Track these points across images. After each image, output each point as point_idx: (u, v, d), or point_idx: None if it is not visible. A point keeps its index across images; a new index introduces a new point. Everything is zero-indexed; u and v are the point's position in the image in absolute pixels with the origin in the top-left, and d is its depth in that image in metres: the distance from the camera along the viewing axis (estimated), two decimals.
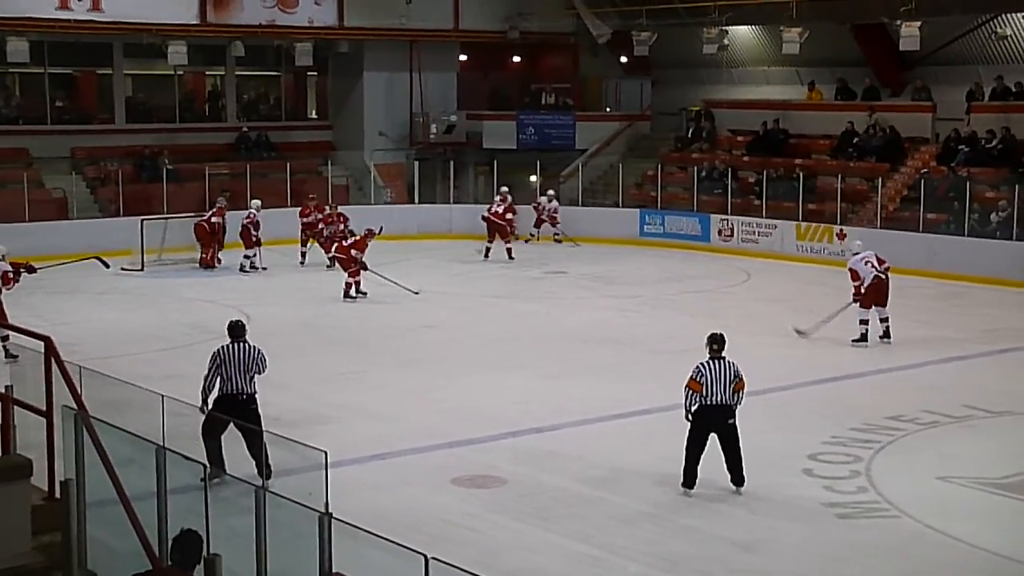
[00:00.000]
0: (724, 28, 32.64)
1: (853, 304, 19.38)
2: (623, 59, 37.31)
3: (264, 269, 26.73)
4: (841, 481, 12.77)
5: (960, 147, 28.58)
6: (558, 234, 31.57)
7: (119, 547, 8.43)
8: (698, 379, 12.20)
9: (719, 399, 12.18)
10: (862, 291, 19.26)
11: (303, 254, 27.70)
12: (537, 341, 19.84)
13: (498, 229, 28.94)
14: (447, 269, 27.51)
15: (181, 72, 34.31)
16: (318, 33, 33.04)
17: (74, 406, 8.84)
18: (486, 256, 28.67)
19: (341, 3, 33.21)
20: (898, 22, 28.64)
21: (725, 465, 12.36)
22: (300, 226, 27.87)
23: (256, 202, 27.67)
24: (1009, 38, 29.68)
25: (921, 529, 11.50)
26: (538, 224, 31.59)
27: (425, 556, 6.18)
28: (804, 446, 13.88)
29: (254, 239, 26.80)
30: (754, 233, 29.78)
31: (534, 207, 31.38)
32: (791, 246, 28.76)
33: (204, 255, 27.10)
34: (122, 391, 12.11)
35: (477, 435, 14.44)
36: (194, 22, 31.35)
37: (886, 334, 19.31)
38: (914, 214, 27.56)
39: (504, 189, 30.04)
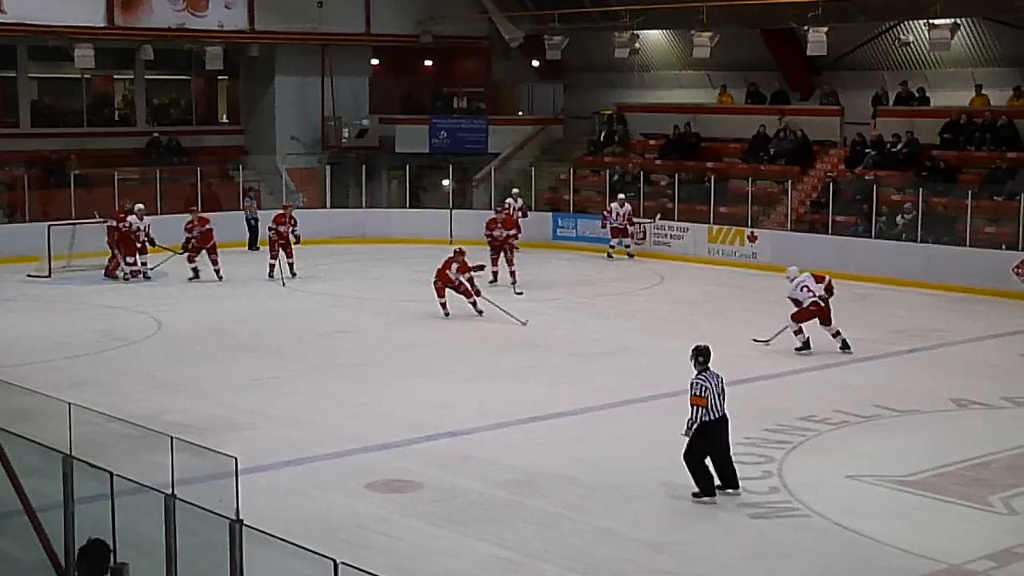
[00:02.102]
0: (635, 32, 32.83)
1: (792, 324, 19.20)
2: (536, 63, 37.44)
3: (148, 278, 26.06)
4: (754, 481, 12.85)
5: (867, 151, 29.02)
6: (628, 246, 29.80)
7: (24, 558, 8.30)
8: (703, 394, 11.97)
9: (718, 413, 12.07)
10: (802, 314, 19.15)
11: (272, 267, 26.13)
12: (452, 345, 19.82)
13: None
14: (363, 273, 27.39)
15: (89, 76, 33.85)
16: (229, 37, 32.77)
17: None
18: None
19: (252, 7, 32.95)
20: (806, 27, 28.99)
21: (719, 474, 12.27)
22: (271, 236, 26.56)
23: (139, 206, 26.57)
24: (912, 45, 30.18)
25: (831, 527, 11.62)
26: (615, 234, 29.70)
27: (334, 561, 6.16)
28: None
29: (138, 246, 26.03)
30: (666, 236, 29.97)
31: (603, 215, 29.79)
32: (703, 249, 29.03)
33: (108, 265, 26.60)
34: (28, 400, 11.93)
35: (392, 439, 14.37)
36: (101, 25, 30.89)
37: (845, 346, 19.15)
38: (823, 216, 27.95)
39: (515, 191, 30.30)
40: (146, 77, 34.73)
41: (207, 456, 8.71)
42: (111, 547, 7.55)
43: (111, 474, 7.80)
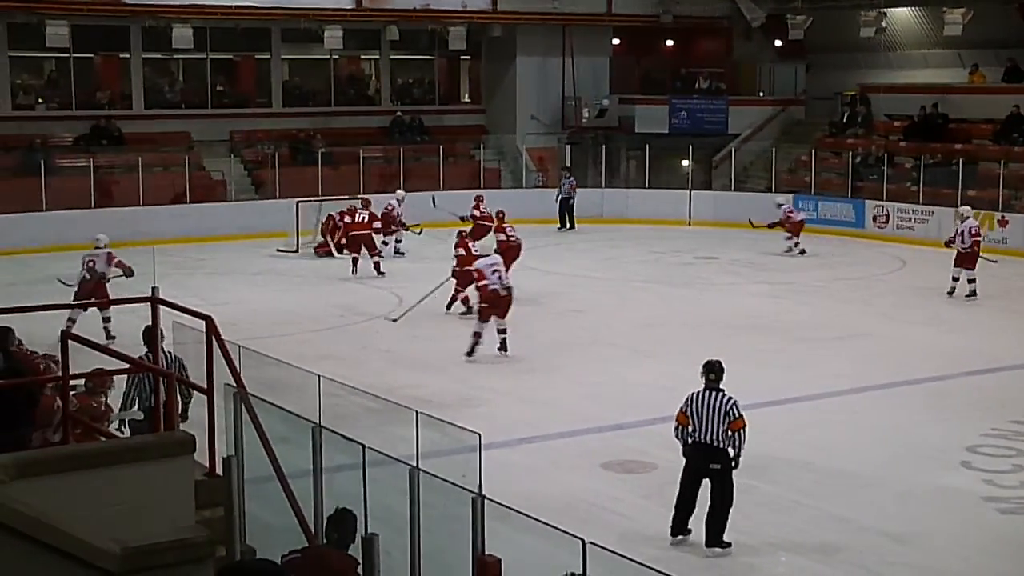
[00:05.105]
0: (882, 11, 32.00)
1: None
2: (777, 43, 36.80)
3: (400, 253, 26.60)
4: (1002, 475, 12.43)
5: None
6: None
7: (276, 524, 8.61)
8: (684, 410, 10.71)
9: (707, 437, 10.57)
10: (481, 304, 17.62)
11: None
12: (686, 326, 19.69)
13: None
14: (598, 253, 27.46)
15: (336, 56, 34.81)
16: (471, 17, 33.21)
17: (234, 384, 9.03)
18: None
19: None
20: None
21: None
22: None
23: (400, 192, 27.39)
24: None
25: None
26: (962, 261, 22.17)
27: (583, 540, 6.16)
28: (962, 438, 13.56)
29: (392, 228, 26.49)
30: (910, 220, 29.17)
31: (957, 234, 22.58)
32: (949, 233, 28.03)
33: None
34: (278, 370, 12.35)
35: (625, 420, 14.40)
36: (350, 7, 31.80)
37: (502, 346, 17.45)
38: None
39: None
40: (391, 57, 35.48)
41: (446, 430, 8.89)
42: (357, 517, 7.79)
43: (363, 446, 8.01)
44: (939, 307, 21.22)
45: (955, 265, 22.05)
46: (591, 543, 6.15)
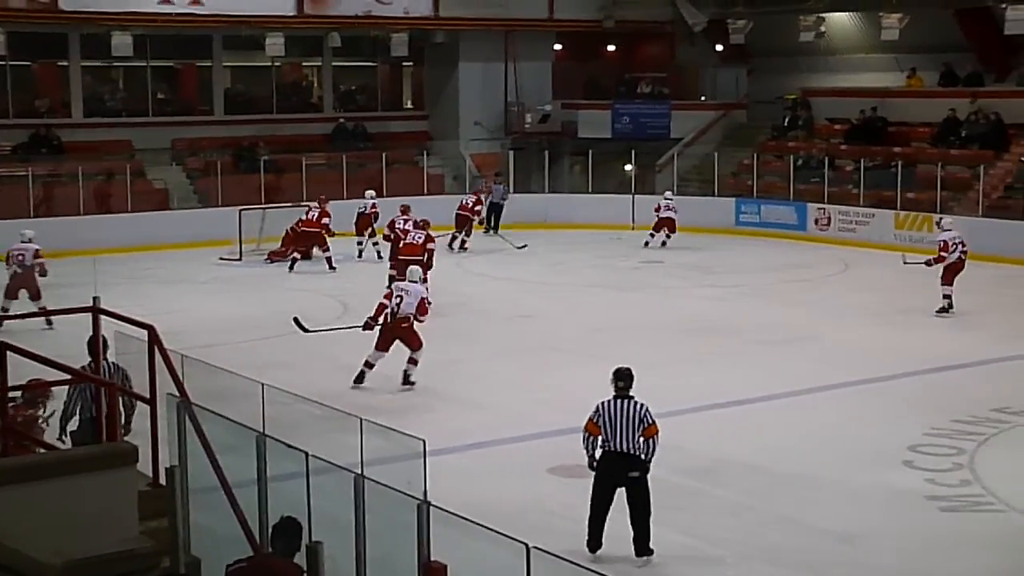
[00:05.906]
0: (821, 15, 32.28)
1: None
2: (719, 48, 37.01)
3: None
4: (944, 473, 12.56)
5: None
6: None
7: (222, 533, 8.53)
8: (595, 420, 10.47)
9: (622, 446, 10.39)
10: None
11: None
12: (634, 331, 19.73)
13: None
14: (545, 258, 27.47)
15: (278, 64, 34.65)
16: (414, 23, 33.16)
17: (177, 394, 8.94)
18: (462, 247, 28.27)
19: None
20: (1004, 5, 28.06)
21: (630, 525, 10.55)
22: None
23: (371, 192, 28.00)
24: None
25: None
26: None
27: (527, 545, 6.15)
28: (905, 437, 13.67)
29: (370, 229, 26.97)
30: (851, 222, 29.43)
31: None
32: (889, 235, 28.33)
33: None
34: (223, 379, 12.25)
35: (575, 424, 14.31)
36: (291, 14, 31.63)
37: (404, 378, 16.26)
38: (1019, 202, 27.11)
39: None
40: (333, 64, 35.35)
41: (393, 438, 8.84)
42: (303, 525, 7.73)
43: (306, 454, 7.95)
44: (882, 308, 21.40)
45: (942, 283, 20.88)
46: (535, 548, 6.14)
